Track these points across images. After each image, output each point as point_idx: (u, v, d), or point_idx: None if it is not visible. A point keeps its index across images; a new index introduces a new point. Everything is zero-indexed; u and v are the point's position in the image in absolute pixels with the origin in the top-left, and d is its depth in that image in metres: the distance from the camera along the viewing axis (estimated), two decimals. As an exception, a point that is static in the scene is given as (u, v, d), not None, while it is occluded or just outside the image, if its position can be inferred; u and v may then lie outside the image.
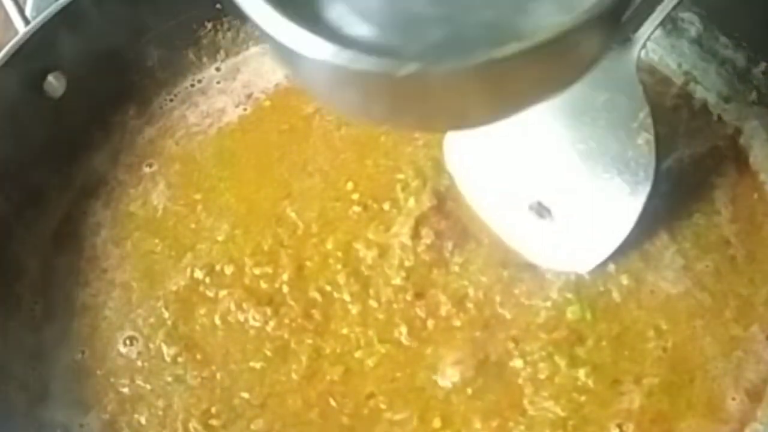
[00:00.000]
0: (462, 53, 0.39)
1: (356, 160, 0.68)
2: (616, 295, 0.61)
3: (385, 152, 0.68)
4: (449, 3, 0.41)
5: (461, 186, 0.65)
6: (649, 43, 0.65)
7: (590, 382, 0.58)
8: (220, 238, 0.65)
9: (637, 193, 0.61)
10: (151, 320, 0.63)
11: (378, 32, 0.41)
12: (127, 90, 0.71)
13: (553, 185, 0.63)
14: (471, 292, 0.62)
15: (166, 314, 0.63)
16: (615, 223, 0.61)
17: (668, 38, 0.69)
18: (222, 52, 0.74)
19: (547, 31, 0.39)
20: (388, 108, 0.45)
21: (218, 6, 0.72)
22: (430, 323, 0.61)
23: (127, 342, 0.62)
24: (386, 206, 0.65)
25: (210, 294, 0.63)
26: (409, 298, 0.62)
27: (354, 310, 0.62)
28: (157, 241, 0.66)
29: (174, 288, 0.64)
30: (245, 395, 0.60)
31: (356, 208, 0.65)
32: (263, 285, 0.63)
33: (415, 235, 0.63)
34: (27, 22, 0.65)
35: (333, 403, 0.59)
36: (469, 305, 0.61)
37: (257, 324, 0.62)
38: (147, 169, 0.69)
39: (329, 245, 0.64)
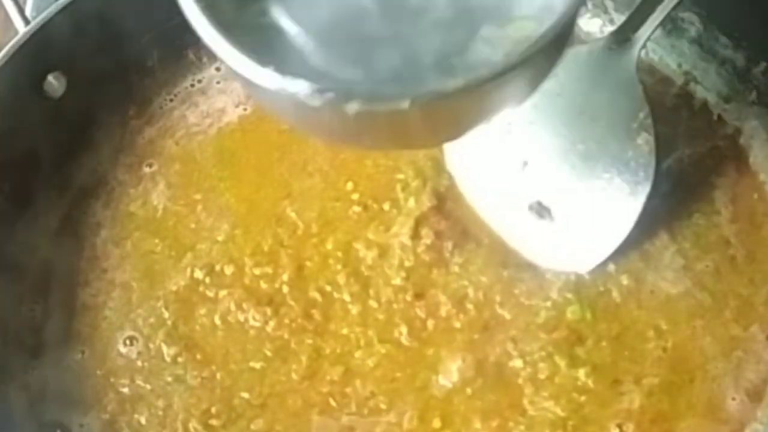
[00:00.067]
0: (409, 87, 0.39)
1: (356, 160, 0.68)
2: (616, 295, 0.61)
3: (385, 152, 0.68)
4: (400, 27, 0.41)
5: (461, 186, 0.65)
6: (649, 43, 0.65)
7: (590, 382, 0.58)
8: (220, 238, 0.65)
9: (637, 193, 0.61)
10: (151, 320, 0.63)
11: (330, 59, 0.40)
12: (127, 90, 0.71)
13: (553, 185, 0.63)
14: (471, 292, 0.62)
15: (166, 314, 0.63)
16: (615, 223, 0.61)
17: (668, 38, 0.69)
18: (222, 52, 0.74)
19: (486, 70, 0.39)
20: (343, 133, 0.45)
21: (218, 6, 0.72)
22: (430, 323, 0.61)
23: (127, 342, 0.62)
24: (386, 206, 0.65)
25: (210, 294, 0.63)
26: (409, 298, 0.62)
27: (354, 310, 0.62)
28: (157, 241, 0.66)
29: (174, 288, 0.64)
30: (245, 395, 0.60)
31: (356, 208, 0.65)
32: (263, 285, 0.63)
33: (415, 236, 0.63)
34: (27, 22, 0.65)
35: (333, 403, 0.59)
36: (469, 305, 0.61)
37: (257, 324, 0.62)
38: (147, 169, 0.69)
39: (329, 245, 0.64)
